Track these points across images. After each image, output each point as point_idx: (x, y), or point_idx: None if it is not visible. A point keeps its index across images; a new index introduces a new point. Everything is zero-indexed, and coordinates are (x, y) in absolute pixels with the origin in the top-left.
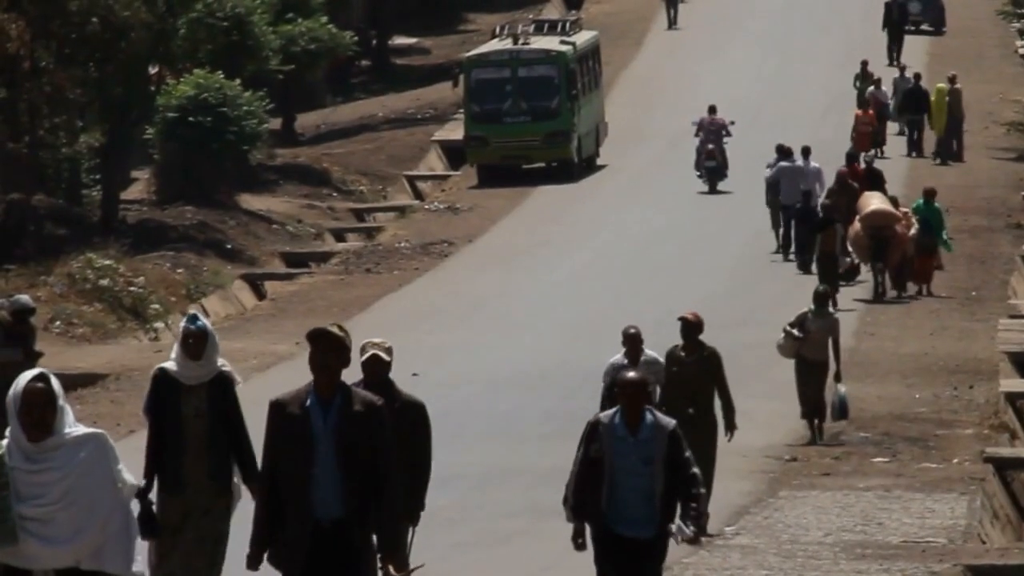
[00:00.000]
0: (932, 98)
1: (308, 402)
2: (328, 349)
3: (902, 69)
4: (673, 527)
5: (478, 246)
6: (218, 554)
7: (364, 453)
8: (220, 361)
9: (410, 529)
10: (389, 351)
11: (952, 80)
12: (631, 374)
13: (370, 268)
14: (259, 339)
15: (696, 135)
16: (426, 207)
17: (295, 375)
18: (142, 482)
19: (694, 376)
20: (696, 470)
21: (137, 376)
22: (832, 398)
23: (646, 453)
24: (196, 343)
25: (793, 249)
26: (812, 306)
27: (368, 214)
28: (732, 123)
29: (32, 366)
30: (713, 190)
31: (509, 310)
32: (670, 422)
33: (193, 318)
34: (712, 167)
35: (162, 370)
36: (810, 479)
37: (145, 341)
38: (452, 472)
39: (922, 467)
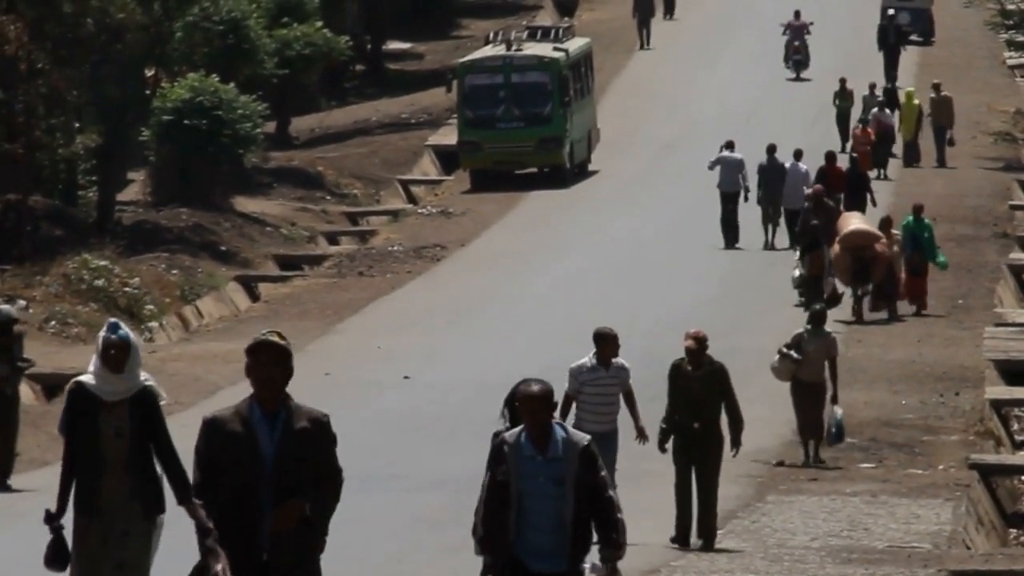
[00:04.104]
0: (902, 101)
1: (253, 418)
2: (272, 361)
3: (871, 86)
4: (587, 565)
5: (470, 250)
6: None
7: (309, 472)
8: (143, 375)
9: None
10: None
11: (937, 88)
12: (533, 388)
13: (363, 271)
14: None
15: (783, 34)
16: (419, 211)
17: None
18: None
19: (700, 390)
20: (612, 494)
21: None
22: (828, 421)
23: (557, 473)
24: (118, 354)
25: (724, 230)
26: (808, 326)
27: (361, 218)
28: (812, 23)
29: (17, 380)
30: (798, 77)
31: (501, 314)
32: (584, 438)
33: (114, 326)
34: (798, 60)
35: (79, 384)
36: (797, 484)
37: (139, 342)
38: (442, 475)
39: (908, 473)
